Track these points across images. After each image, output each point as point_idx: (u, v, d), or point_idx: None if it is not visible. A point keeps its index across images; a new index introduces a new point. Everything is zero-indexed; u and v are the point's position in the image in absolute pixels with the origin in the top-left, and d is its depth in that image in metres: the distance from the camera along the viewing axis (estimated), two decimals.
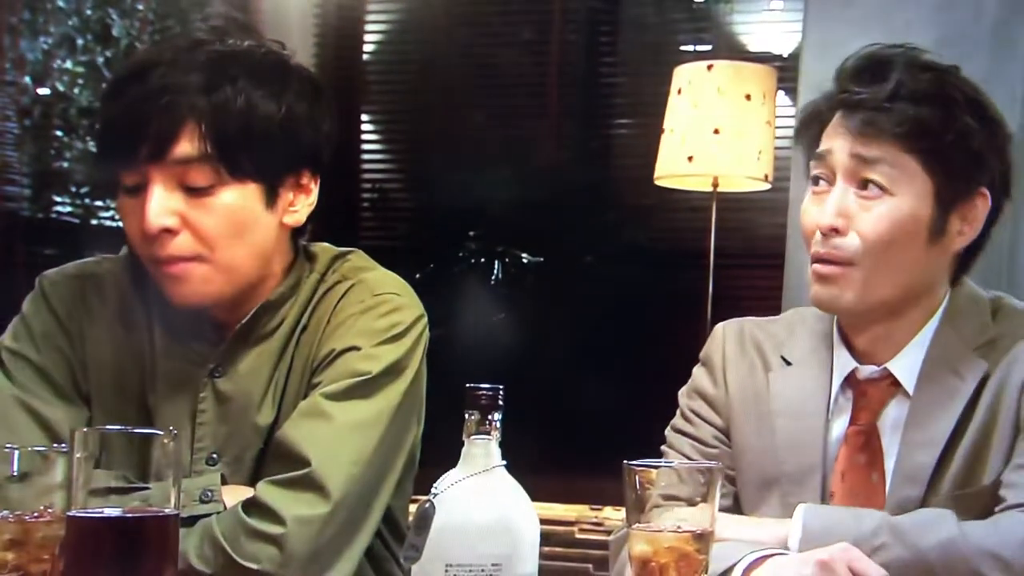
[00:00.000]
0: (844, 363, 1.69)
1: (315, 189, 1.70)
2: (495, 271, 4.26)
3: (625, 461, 1.25)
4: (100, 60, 4.43)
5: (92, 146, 4.39)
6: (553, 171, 4.24)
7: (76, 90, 4.43)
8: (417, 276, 4.04)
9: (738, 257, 3.74)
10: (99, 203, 4.38)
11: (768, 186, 3.37)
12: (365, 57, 4.43)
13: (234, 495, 1.57)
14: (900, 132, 1.58)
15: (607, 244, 4.14)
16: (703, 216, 3.47)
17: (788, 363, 1.74)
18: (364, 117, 4.45)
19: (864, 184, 1.61)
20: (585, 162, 4.26)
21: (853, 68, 1.65)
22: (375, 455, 1.60)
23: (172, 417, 1.64)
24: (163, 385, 1.67)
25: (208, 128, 1.56)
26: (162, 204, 1.56)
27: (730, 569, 1.47)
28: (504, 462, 1.28)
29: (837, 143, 1.62)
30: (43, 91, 4.42)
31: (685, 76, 3.34)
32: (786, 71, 3.55)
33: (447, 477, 1.28)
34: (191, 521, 1.51)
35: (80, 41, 4.43)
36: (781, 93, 3.46)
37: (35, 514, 1.21)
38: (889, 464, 1.64)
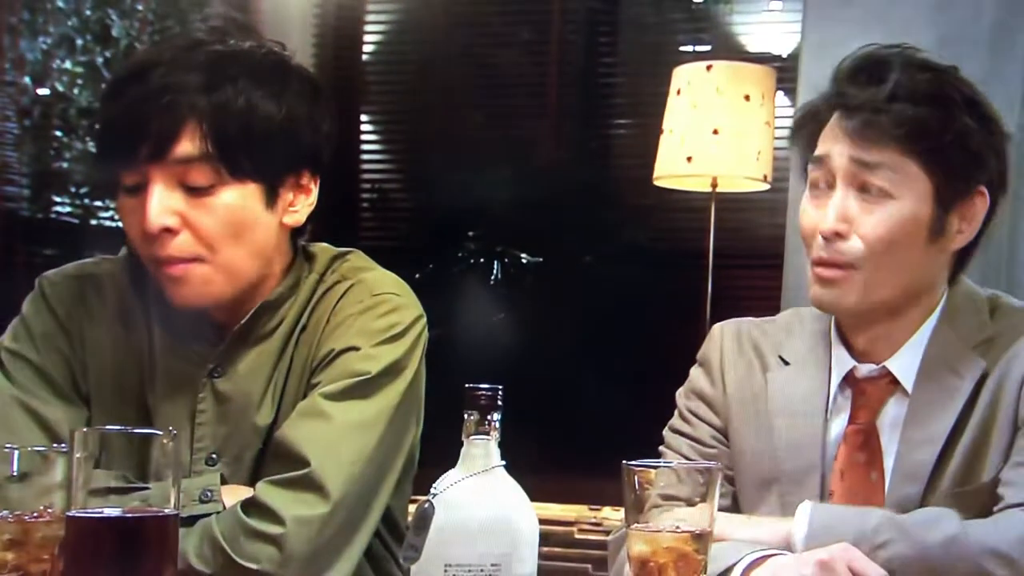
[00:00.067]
0: (843, 362, 1.70)
1: (315, 189, 1.70)
2: (494, 271, 4.26)
3: (624, 461, 1.25)
4: (100, 60, 4.43)
5: (92, 146, 4.38)
6: (552, 171, 4.24)
7: (76, 90, 4.43)
8: (416, 276, 4.04)
9: (737, 257, 3.73)
10: (99, 203, 4.37)
11: (767, 186, 3.37)
12: (364, 57, 4.43)
13: (234, 495, 1.57)
14: (900, 134, 1.58)
15: (606, 244, 4.14)
16: (702, 216, 3.47)
17: (786, 363, 1.74)
18: (363, 117, 4.44)
19: (864, 187, 1.61)
20: (584, 162, 4.26)
21: (850, 69, 1.65)
22: (374, 455, 1.60)
23: (171, 417, 1.64)
24: (162, 385, 1.68)
25: (209, 128, 1.56)
26: (162, 203, 1.56)
27: (729, 569, 1.47)
28: (503, 462, 1.28)
29: (836, 147, 1.62)
30: (43, 91, 4.42)
31: (684, 76, 3.34)
32: (785, 71, 3.55)
33: (446, 477, 1.28)
34: (191, 521, 1.52)
35: (80, 41, 4.43)
36: (780, 93, 3.46)
37: (35, 514, 1.21)
38: (888, 463, 1.64)
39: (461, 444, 1.28)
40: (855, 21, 3.11)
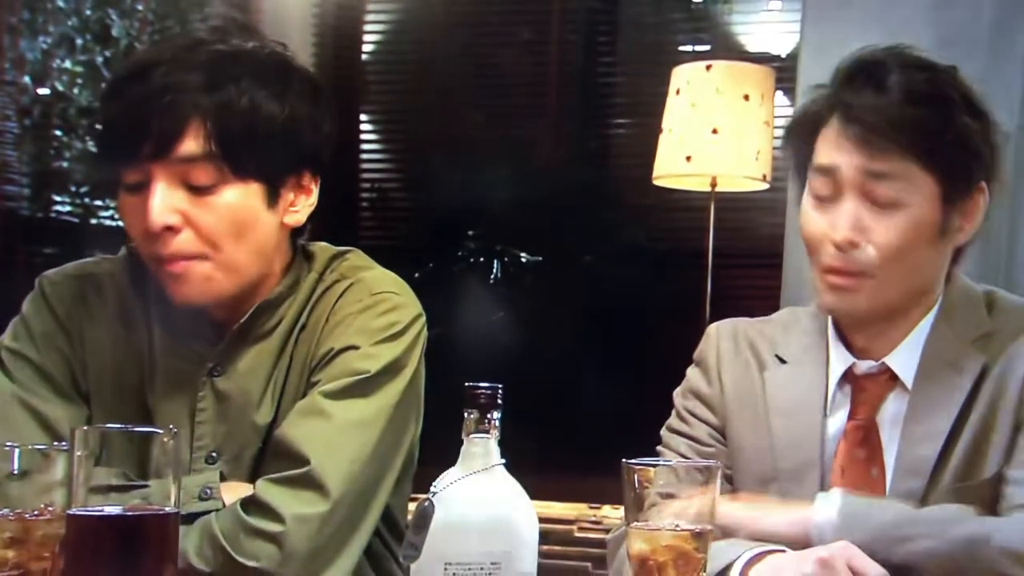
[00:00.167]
0: (842, 359, 1.70)
1: (315, 190, 1.70)
2: (494, 270, 4.26)
3: (624, 460, 1.26)
4: (99, 60, 4.43)
5: (92, 146, 4.39)
6: (552, 171, 4.24)
7: (75, 90, 4.44)
8: (416, 275, 4.04)
9: (736, 257, 3.74)
10: (99, 203, 4.38)
11: (766, 186, 3.37)
12: (364, 57, 4.43)
13: (233, 492, 1.57)
14: (907, 142, 1.58)
15: (606, 244, 4.14)
16: (701, 216, 3.47)
17: (783, 361, 1.75)
18: (363, 117, 4.44)
19: (874, 196, 1.60)
20: (584, 162, 4.26)
21: (848, 73, 1.65)
22: (374, 453, 1.60)
23: (171, 416, 1.64)
24: (162, 384, 1.68)
25: (213, 127, 1.56)
26: (165, 202, 1.56)
27: (729, 566, 1.47)
28: (503, 461, 1.28)
29: (844, 158, 1.61)
30: (43, 91, 4.42)
31: (684, 76, 3.34)
32: (784, 71, 3.55)
33: (446, 476, 1.28)
34: (190, 519, 1.52)
35: (79, 41, 4.43)
36: (779, 93, 3.46)
37: (35, 512, 1.21)
38: (889, 458, 1.65)
39: (461, 443, 1.28)
40: (854, 21, 3.12)
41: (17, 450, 1.23)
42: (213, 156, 1.57)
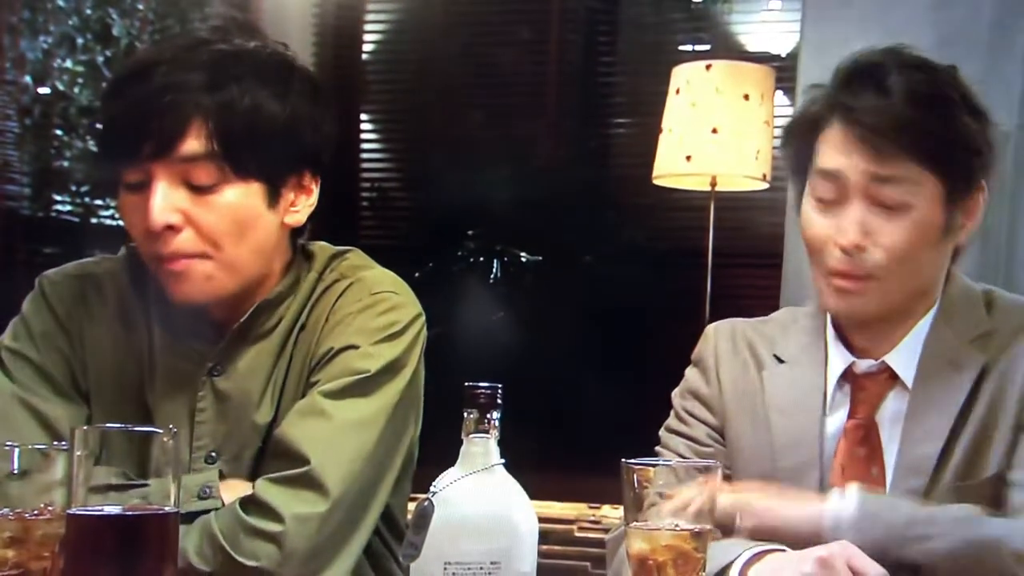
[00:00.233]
0: (841, 358, 1.70)
1: (316, 190, 1.70)
2: (494, 270, 4.27)
3: (623, 460, 1.26)
4: (100, 59, 4.43)
5: (92, 145, 4.39)
6: (552, 170, 4.24)
7: (76, 89, 4.44)
8: (416, 275, 4.04)
9: (736, 256, 3.74)
10: (99, 202, 4.38)
11: (766, 185, 3.37)
12: (364, 57, 4.43)
13: (233, 491, 1.57)
14: (911, 144, 1.58)
15: (606, 243, 4.14)
16: (701, 215, 3.47)
17: (781, 361, 1.75)
18: (363, 116, 4.45)
19: (881, 199, 1.61)
20: (583, 161, 4.26)
21: (849, 76, 1.65)
22: (374, 453, 1.60)
23: (171, 415, 1.64)
24: (162, 384, 1.68)
25: (215, 126, 1.56)
26: (166, 201, 1.56)
27: (728, 566, 1.48)
28: (503, 460, 1.28)
29: (849, 162, 1.61)
30: (43, 90, 4.42)
31: (683, 76, 3.35)
32: (784, 71, 3.55)
33: (446, 475, 1.28)
34: (189, 517, 1.52)
35: (80, 40, 4.43)
36: (779, 93, 3.47)
37: (35, 512, 1.21)
38: (889, 457, 1.65)
39: (461, 442, 1.28)
40: (854, 20, 3.12)
41: (17, 449, 1.23)
42: (215, 155, 1.57)
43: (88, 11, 4.44)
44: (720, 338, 1.80)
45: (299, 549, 1.52)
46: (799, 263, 3.01)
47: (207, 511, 1.54)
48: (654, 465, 1.26)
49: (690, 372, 1.82)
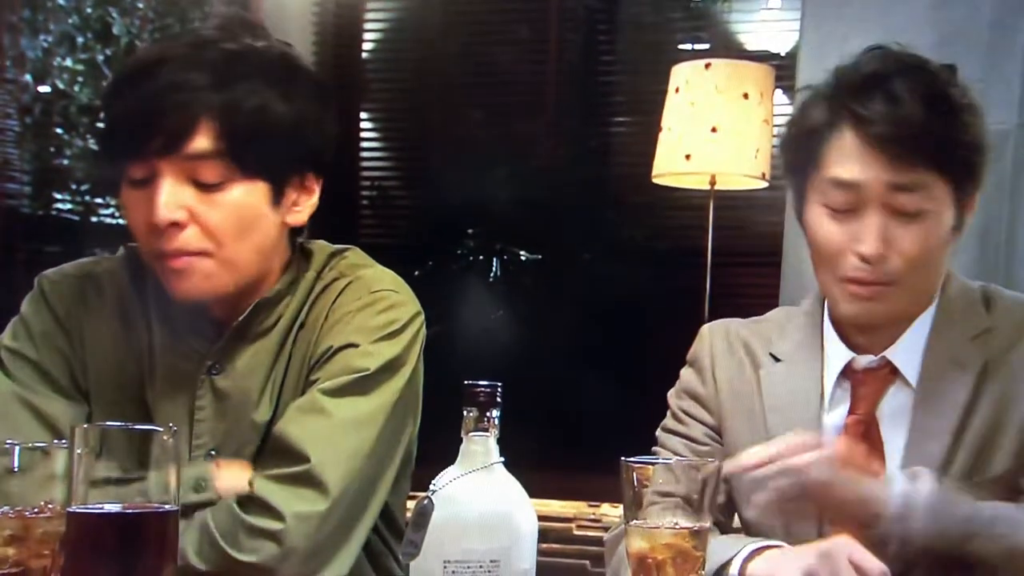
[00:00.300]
0: (840, 355, 1.71)
1: (317, 190, 1.71)
2: (493, 269, 4.27)
3: (623, 458, 1.26)
4: (100, 58, 4.43)
5: (93, 143, 4.40)
6: (551, 169, 4.24)
7: (76, 88, 4.44)
8: (416, 273, 4.04)
9: (736, 255, 3.73)
10: (99, 200, 4.38)
11: (765, 184, 3.37)
12: (364, 55, 4.43)
13: (229, 475, 1.58)
14: (926, 151, 1.59)
15: (605, 242, 4.14)
16: (701, 214, 3.47)
17: (778, 359, 1.75)
18: (363, 115, 4.45)
19: (898, 208, 1.61)
20: (583, 160, 4.26)
21: (854, 83, 1.64)
22: (373, 451, 1.60)
23: (170, 414, 1.65)
24: (161, 382, 1.68)
25: (222, 125, 1.56)
26: (172, 197, 1.56)
27: (728, 562, 1.48)
28: (502, 459, 1.29)
29: (868, 173, 1.61)
30: (43, 89, 4.42)
31: (683, 75, 3.34)
32: (783, 69, 3.55)
33: (445, 474, 1.28)
34: (185, 511, 1.51)
35: (80, 39, 4.43)
36: (779, 92, 3.46)
37: (35, 510, 1.21)
38: (891, 453, 1.65)
39: (460, 440, 1.29)
40: (853, 19, 3.12)
41: (17, 447, 1.23)
42: (222, 154, 1.57)
43: (88, 10, 4.45)
44: (715, 338, 1.80)
45: (299, 547, 1.52)
46: (798, 262, 3.01)
47: (203, 504, 1.55)
48: (653, 463, 1.26)
49: (686, 372, 1.82)
